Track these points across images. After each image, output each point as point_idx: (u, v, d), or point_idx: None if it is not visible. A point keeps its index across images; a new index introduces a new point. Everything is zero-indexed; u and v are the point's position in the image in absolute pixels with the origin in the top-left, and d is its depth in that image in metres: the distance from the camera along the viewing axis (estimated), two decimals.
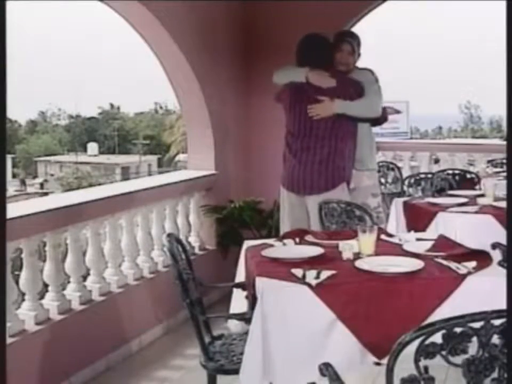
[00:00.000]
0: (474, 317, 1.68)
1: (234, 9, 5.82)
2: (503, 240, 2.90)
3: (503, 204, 3.80)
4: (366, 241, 2.79)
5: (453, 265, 2.59)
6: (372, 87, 4.24)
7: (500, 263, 2.65)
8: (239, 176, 5.92)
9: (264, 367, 2.40)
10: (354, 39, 4.41)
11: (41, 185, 41.48)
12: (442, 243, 2.91)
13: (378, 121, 4.42)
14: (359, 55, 4.45)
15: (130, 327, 4.42)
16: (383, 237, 3.09)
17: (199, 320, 2.83)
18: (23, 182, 41.52)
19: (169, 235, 2.99)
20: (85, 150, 46.75)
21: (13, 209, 3.52)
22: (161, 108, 54.35)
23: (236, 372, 2.53)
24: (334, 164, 4.12)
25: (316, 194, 4.11)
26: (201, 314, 2.89)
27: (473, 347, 1.68)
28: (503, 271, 2.49)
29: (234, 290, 3.11)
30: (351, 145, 4.21)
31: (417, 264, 2.61)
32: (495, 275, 2.51)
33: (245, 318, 2.73)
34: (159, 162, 44.15)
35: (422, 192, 5.27)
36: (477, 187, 4.99)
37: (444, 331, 1.67)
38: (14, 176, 42.97)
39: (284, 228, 4.22)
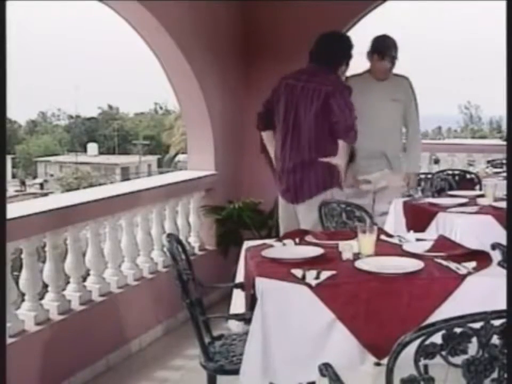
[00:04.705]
0: (474, 317, 1.68)
1: (235, 10, 5.82)
2: (503, 241, 2.91)
3: (503, 204, 3.80)
4: (365, 241, 2.78)
5: (452, 265, 2.59)
6: (414, 101, 4.79)
7: (499, 263, 2.65)
8: (239, 177, 5.92)
9: (264, 367, 2.40)
10: (390, 48, 4.62)
11: (41, 185, 41.49)
12: (442, 243, 2.91)
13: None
14: (394, 58, 4.65)
15: (130, 327, 4.42)
16: (382, 237, 3.09)
17: (199, 320, 2.83)
18: (23, 183, 41.51)
19: (169, 235, 2.99)
20: (84, 150, 46.73)
21: (13, 210, 3.53)
22: (161, 108, 54.35)
23: (235, 372, 2.52)
24: (322, 169, 4.09)
25: (302, 202, 4.12)
26: (201, 315, 2.88)
27: (473, 347, 1.68)
28: (503, 272, 2.49)
29: (234, 290, 3.10)
30: (334, 150, 4.13)
31: (417, 264, 2.60)
32: (495, 275, 2.50)
33: (245, 318, 2.73)
34: (159, 163, 44.13)
35: (421, 192, 5.27)
36: (477, 187, 4.99)
37: (443, 331, 1.67)
38: (13, 176, 42.96)
39: (281, 230, 4.28)
